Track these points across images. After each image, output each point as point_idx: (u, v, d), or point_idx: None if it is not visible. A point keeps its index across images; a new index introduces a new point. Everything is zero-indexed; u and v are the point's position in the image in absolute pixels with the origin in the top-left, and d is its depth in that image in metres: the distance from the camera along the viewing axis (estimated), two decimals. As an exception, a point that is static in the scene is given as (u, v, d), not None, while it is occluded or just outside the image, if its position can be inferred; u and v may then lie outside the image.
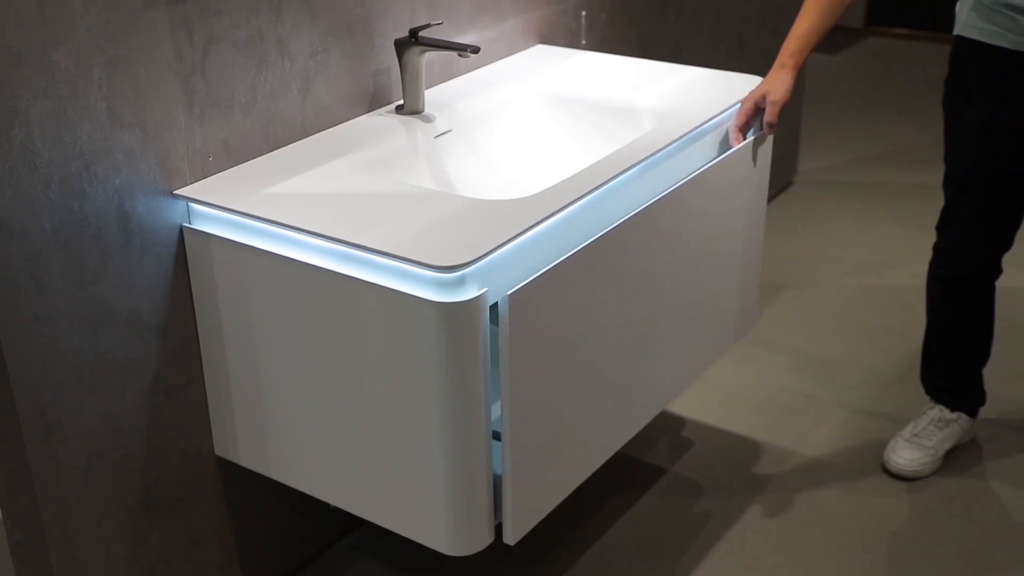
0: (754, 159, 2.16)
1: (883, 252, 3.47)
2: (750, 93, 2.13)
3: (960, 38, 2.23)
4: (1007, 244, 2.35)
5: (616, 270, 1.83)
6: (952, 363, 2.49)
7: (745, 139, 2.12)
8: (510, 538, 1.74)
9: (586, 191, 1.74)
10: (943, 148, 2.32)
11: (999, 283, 2.41)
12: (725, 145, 2.15)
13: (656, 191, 1.98)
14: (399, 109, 2.06)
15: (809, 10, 2.13)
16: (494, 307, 1.61)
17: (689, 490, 2.42)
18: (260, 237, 1.70)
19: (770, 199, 3.85)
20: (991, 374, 2.54)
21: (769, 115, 2.10)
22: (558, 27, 2.52)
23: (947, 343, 2.47)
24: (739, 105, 2.14)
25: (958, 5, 2.23)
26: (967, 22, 2.19)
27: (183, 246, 1.77)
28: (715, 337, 2.23)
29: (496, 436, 1.72)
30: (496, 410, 1.93)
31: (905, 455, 2.45)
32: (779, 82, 2.10)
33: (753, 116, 2.13)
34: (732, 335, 2.29)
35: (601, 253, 1.76)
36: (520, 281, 1.68)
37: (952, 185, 2.32)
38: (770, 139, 2.18)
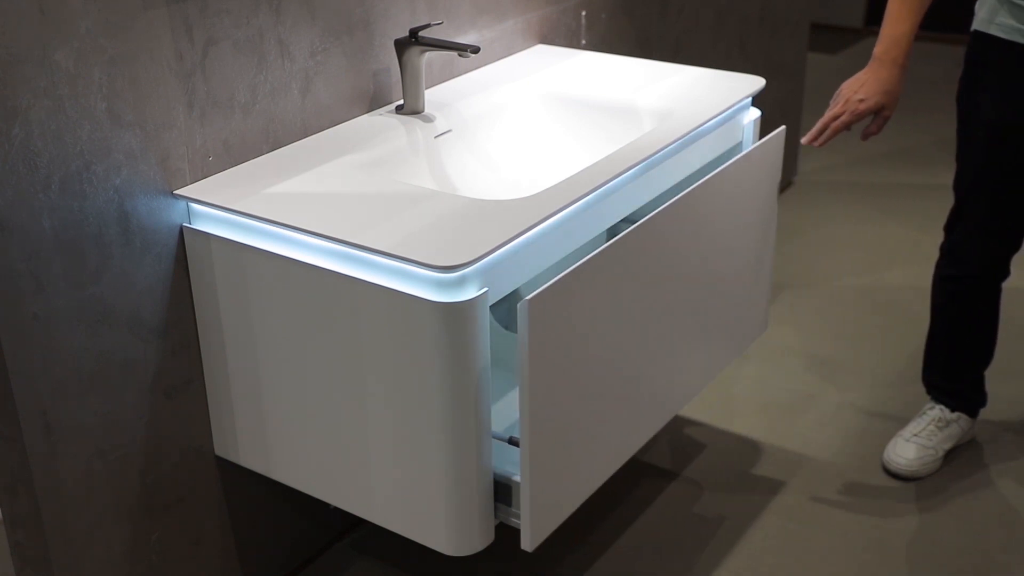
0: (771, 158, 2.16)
1: (883, 252, 3.47)
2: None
3: (977, 33, 2.20)
4: (1016, 246, 2.33)
5: (634, 272, 1.80)
6: (955, 364, 2.48)
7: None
8: (528, 544, 1.71)
9: (586, 191, 1.74)
10: (945, 148, 2.30)
11: (1000, 282, 2.41)
12: (726, 145, 2.15)
13: (657, 191, 1.98)
14: (399, 109, 2.06)
15: (905, 12, 2.16)
16: (495, 307, 1.61)
17: (689, 491, 2.42)
18: (260, 237, 1.70)
19: (770, 199, 3.84)
20: (991, 374, 2.53)
21: (877, 126, 2.20)
22: (558, 27, 2.52)
23: (951, 344, 2.46)
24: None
25: (978, 2, 2.21)
26: (986, 18, 2.16)
27: (183, 246, 1.77)
28: (729, 341, 2.21)
29: (513, 441, 1.70)
30: (506, 414, 1.93)
31: (905, 455, 2.45)
32: (895, 96, 2.18)
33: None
34: (745, 339, 2.28)
35: (618, 255, 1.74)
36: (519, 281, 1.68)
37: (963, 184, 2.30)
38: (782, 137, 2.17)
